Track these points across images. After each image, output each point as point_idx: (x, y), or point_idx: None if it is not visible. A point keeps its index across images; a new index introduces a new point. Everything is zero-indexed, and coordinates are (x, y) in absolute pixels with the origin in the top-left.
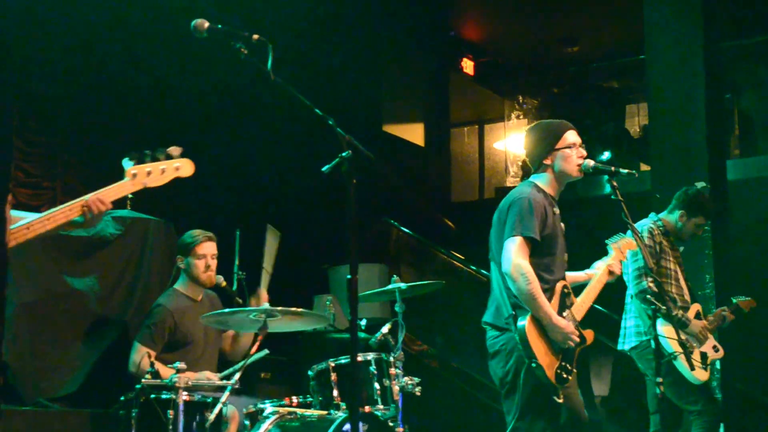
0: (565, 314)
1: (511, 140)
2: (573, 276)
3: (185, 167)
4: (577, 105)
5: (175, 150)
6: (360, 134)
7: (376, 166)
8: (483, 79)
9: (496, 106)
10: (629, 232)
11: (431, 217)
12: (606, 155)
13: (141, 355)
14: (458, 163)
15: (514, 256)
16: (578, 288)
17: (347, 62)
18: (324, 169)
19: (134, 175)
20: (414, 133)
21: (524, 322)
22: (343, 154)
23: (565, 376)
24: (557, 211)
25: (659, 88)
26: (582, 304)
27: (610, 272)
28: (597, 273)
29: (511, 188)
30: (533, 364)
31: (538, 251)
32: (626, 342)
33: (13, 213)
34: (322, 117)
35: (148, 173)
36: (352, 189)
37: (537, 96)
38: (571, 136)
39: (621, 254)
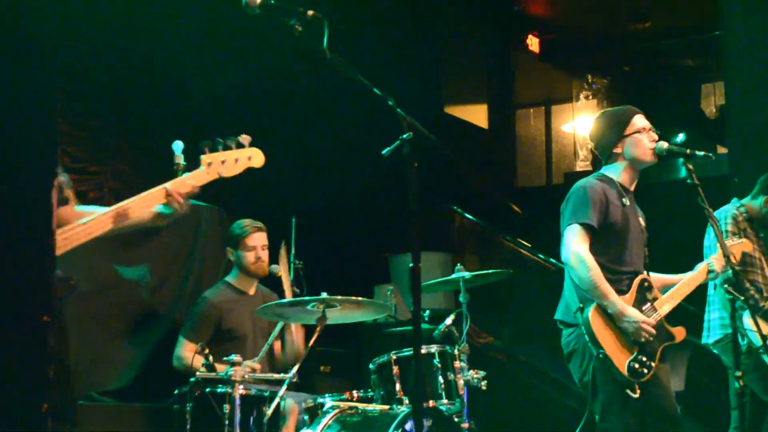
0: (644, 308)
1: (579, 122)
2: (663, 278)
3: (257, 157)
4: (649, 85)
5: (245, 138)
6: (420, 117)
7: (439, 149)
8: (549, 58)
9: (564, 85)
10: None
11: (496, 203)
12: (680, 137)
13: (184, 349)
14: (524, 147)
15: (571, 243)
16: None
17: (404, 40)
18: (384, 152)
19: (209, 164)
20: (477, 115)
21: (589, 311)
22: (404, 136)
23: (639, 369)
24: (628, 201)
25: (736, 65)
26: (670, 298)
27: (710, 271)
28: (694, 270)
29: (580, 173)
30: (600, 355)
31: (604, 241)
32: (710, 335)
33: (81, 208)
34: (381, 97)
35: (223, 162)
36: (413, 173)
37: (606, 75)
38: (640, 121)
39: (733, 257)
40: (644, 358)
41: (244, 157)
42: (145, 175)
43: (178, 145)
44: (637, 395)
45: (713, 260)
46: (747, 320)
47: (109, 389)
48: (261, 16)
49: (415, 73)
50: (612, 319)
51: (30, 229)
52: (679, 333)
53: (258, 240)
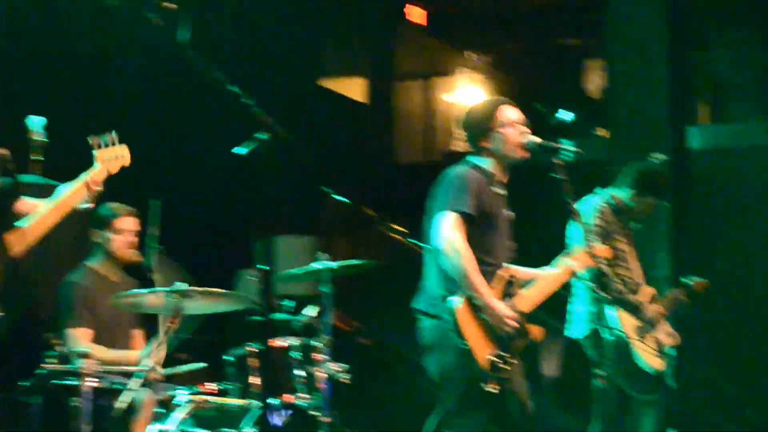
0: (505, 303)
1: (460, 95)
2: (526, 272)
3: (127, 155)
4: (534, 62)
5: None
6: (295, 90)
7: (317, 128)
8: (433, 30)
9: (446, 59)
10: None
11: (371, 183)
12: (568, 116)
13: (79, 341)
14: (403, 121)
15: (446, 230)
16: None
17: (282, 12)
18: (237, 150)
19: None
20: (355, 88)
21: (456, 301)
22: (260, 135)
23: (499, 364)
24: (501, 192)
25: (618, 46)
26: (531, 296)
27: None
28: (556, 269)
29: (459, 153)
30: (462, 347)
31: (477, 230)
32: (575, 329)
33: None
34: (238, 95)
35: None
36: (271, 174)
37: (490, 51)
38: (507, 113)
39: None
40: (505, 354)
41: (122, 154)
42: None
43: (33, 120)
44: (494, 389)
45: (574, 261)
46: (613, 314)
47: None
48: (119, 7)
49: (291, 45)
50: (478, 311)
51: None
52: (537, 332)
53: (129, 224)
